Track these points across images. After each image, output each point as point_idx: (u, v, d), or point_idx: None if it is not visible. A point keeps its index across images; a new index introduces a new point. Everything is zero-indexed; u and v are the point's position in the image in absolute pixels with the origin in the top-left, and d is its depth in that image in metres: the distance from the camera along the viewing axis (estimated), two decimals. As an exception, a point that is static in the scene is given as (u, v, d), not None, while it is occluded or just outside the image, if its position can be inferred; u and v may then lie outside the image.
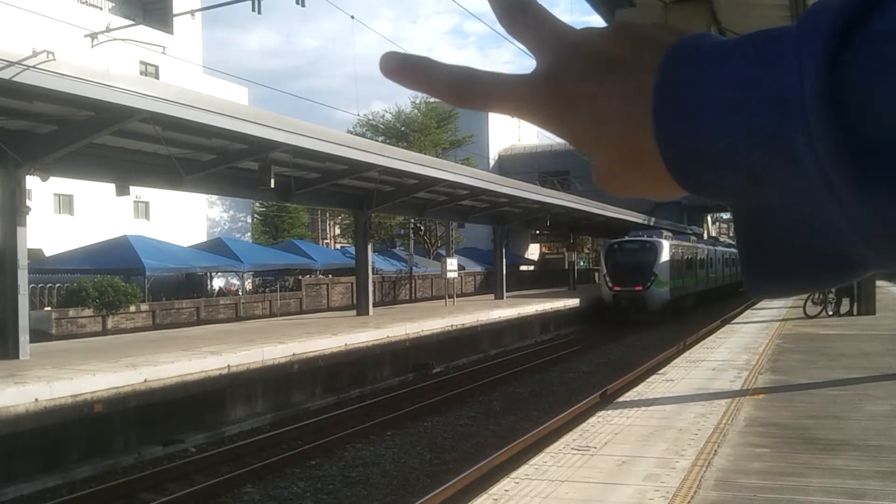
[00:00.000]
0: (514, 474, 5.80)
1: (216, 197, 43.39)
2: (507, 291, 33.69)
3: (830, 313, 19.50)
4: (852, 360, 11.62)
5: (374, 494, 10.01)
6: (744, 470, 5.73)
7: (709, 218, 66.93)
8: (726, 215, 72.49)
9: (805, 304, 20.33)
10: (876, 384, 9.36)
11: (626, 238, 35.76)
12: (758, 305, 28.32)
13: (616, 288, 33.37)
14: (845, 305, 19.77)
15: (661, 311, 33.02)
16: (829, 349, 13.05)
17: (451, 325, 21.58)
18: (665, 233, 38.02)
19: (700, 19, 8.03)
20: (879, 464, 5.78)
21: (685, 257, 38.24)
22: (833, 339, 14.59)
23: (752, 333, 16.23)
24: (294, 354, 15.11)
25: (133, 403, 11.49)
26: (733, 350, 13.32)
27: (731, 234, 76.66)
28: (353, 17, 18.92)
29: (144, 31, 18.13)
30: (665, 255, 33.64)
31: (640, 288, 32.85)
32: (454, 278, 30.79)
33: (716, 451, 6.26)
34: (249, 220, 51.04)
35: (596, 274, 66.87)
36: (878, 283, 22.39)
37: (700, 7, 8.11)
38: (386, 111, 55.99)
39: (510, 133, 71.17)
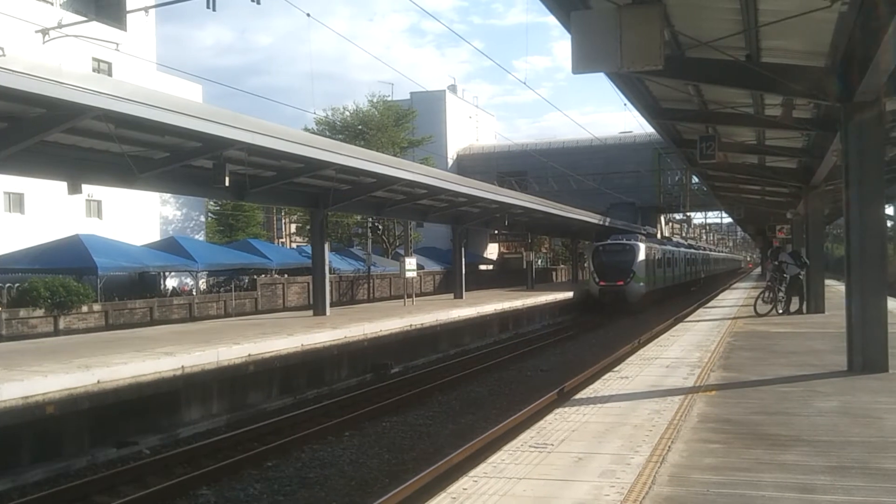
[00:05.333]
0: (472, 473, 5.82)
1: (169, 195, 42.84)
2: (466, 291, 33.81)
3: (780, 312, 19.81)
4: (802, 357, 11.84)
5: (332, 495, 9.98)
6: (697, 465, 5.82)
7: (662, 218, 67.74)
8: (679, 216, 73.46)
9: (755, 302, 20.67)
10: (824, 381, 9.54)
11: (610, 241, 40.57)
12: (709, 304, 28.77)
13: (601, 283, 38.94)
14: (795, 304, 20.10)
15: (637, 303, 38.18)
16: (780, 347, 13.27)
17: (410, 325, 21.57)
18: (640, 236, 42.90)
19: (653, 22, 8.11)
20: (829, 459, 5.90)
21: (656, 257, 42.65)
22: (783, 337, 14.84)
23: (704, 331, 16.46)
24: (249, 355, 14.99)
25: (86, 405, 11.30)
26: (686, 348, 13.49)
27: (683, 235, 77.69)
28: (308, 14, 18.76)
29: (97, 28, 17.82)
30: (641, 256, 38.82)
31: (621, 283, 38.22)
32: (413, 278, 30.78)
33: (670, 447, 6.35)
34: (203, 219, 50.44)
35: (554, 273, 67.68)
36: (827, 282, 22.84)
37: (653, 10, 8.18)
38: (344, 109, 55.52)
39: (468, 133, 71.35)
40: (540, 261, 68.35)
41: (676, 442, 6.51)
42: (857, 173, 10.00)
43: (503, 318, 29.08)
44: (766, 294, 20.76)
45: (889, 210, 58.00)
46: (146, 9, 18.67)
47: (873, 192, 10.04)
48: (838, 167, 12.35)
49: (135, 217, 39.27)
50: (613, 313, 36.29)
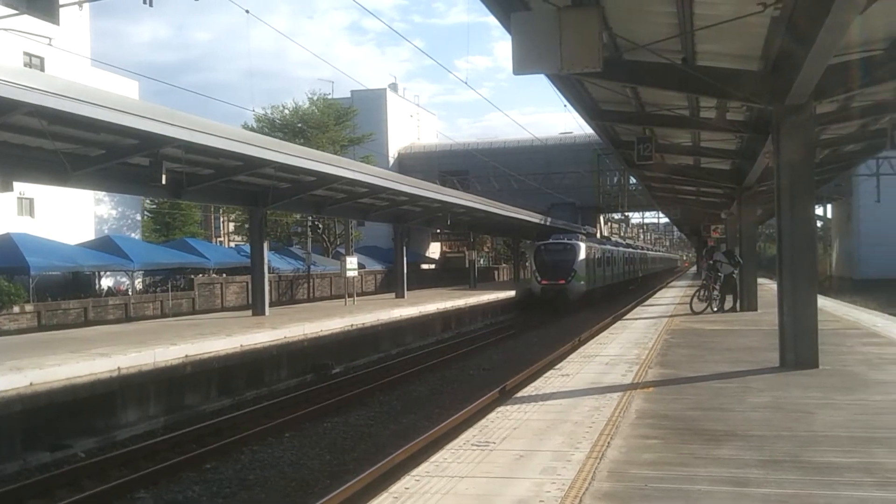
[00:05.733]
0: (414, 472, 5.82)
1: (104, 193, 41.93)
2: (408, 290, 33.79)
3: (715, 309, 20.21)
4: (736, 354, 12.10)
5: (273, 497, 9.91)
6: (635, 461, 5.92)
7: (601, 218, 68.69)
8: (617, 216, 74.60)
9: (691, 300, 21.06)
10: (758, 377, 9.77)
11: (551, 240, 41.07)
12: (647, 302, 29.25)
13: (543, 281, 39.61)
14: (729, 302, 20.52)
15: (578, 301, 38.87)
16: (714, 344, 13.55)
17: (351, 325, 21.47)
18: (581, 235, 43.50)
19: (592, 24, 8.21)
20: (762, 453, 6.04)
21: (596, 256, 43.45)
22: (718, 335, 15.14)
23: (642, 329, 16.72)
24: (187, 356, 14.76)
25: (18, 408, 10.99)
26: (625, 345, 13.68)
27: (621, 234, 78.86)
28: (247, 11, 18.54)
29: (29, 22, 17.35)
30: (582, 255, 39.56)
31: (563, 281, 38.98)
32: (354, 277, 30.64)
33: (609, 443, 6.44)
34: (139, 218, 49.42)
35: (496, 272, 68.12)
36: (760, 280, 23.42)
37: (591, 12, 8.28)
38: (284, 107, 54.93)
39: (410, 132, 71.26)
40: (482, 260, 68.68)
41: (615, 438, 6.61)
42: (788, 175, 10.28)
43: (445, 318, 29.13)
44: (702, 292, 21.17)
45: (818, 211, 59.73)
46: (80, 2, 18.24)
47: (804, 193, 10.33)
48: (770, 169, 12.67)
49: (69, 216, 38.29)
50: (555, 311, 36.78)
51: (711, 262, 21.37)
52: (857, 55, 10.29)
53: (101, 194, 41.95)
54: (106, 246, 33.71)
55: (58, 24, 13.06)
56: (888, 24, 9.49)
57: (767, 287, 26.92)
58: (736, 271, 20.46)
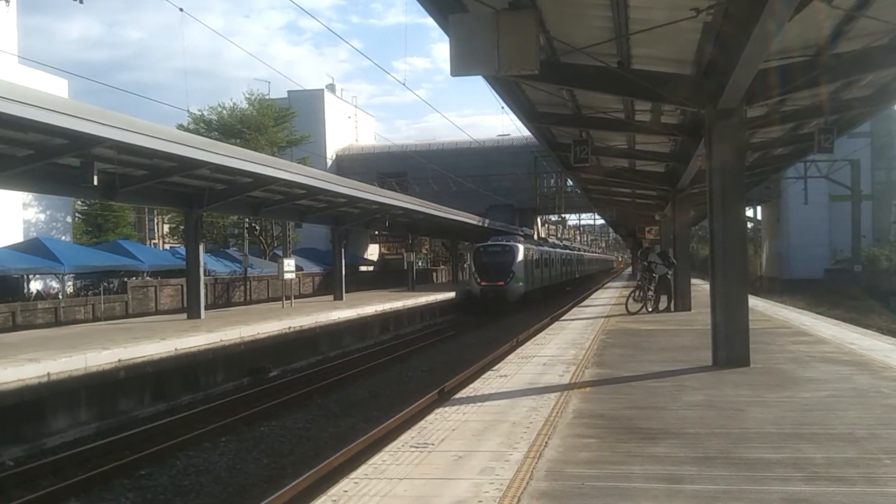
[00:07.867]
0: (353, 475, 5.78)
1: (31, 197, 40.74)
2: (346, 292, 33.61)
3: (650, 310, 20.53)
4: (670, 353, 12.29)
5: (208, 503, 9.74)
6: (572, 460, 5.97)
7: (538, 219, 69.32)
8: (554, 217, 75.43)
9: (627, 301, 21.36)
10: (691, 376, 9.94)
11: (490, 242, 41.62)
12: (584, 303, 29.59)
13: (483, 283, 40.03)
14: (663, 302, 20.88)
15: (517, 302, 39.36)
16: (649, 344, 13.73)
17: (289, 328, 21.26)
18: (519, 237, 43.96)
19: (529, 27, 8.26)
20: (695, 450, 6.15)
21: (535, 258, 43.98)
22: (653, 334, 15.35)
23: (579, 330, 16.88)
24: (120, 361, 14.43)
25: (-61, 417, 10.62)
26: (562, 346, 13.79)
27: (558, 236, 79.73)
28: (181, 9, 18.25)
29: (-49, 16, 16.84)
30: (520, 256, 40.15)
31: (502, 283, 39.43)
32: (291, 279, 30.34)
33: (546, 443, 6.49)
34: (70, 220, 48.08)
35: (434, 274, 68.23)
36: (693, 280, 23.87)
37: (528, 15, 8.33)
38: (221, 107, 54.07)
39: (348, 133, 70.88)
40: (420, 262, 68.71)
41: (553, 438, 6.66)
42: (720, 177, 10.50)
43: (384, 320, 29.03)
44: (637, 293, 21.48)
45: (749, 213, 61.28)
46: (6, -2, 17.73)
47: (735, 195, 10.57)
48: (703, 171, 12.93)
49: (-6, 218, 37.06)
50: (494, 313, 36.97)
51: (646, 263, 21.69)
52: (787, 62, 10.58)
53: (28, 199, 40.77)
54: (34, 248, 32.72)
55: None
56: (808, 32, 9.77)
57: (701, 287, 27.43)
58: (670, 272, 20.80)
